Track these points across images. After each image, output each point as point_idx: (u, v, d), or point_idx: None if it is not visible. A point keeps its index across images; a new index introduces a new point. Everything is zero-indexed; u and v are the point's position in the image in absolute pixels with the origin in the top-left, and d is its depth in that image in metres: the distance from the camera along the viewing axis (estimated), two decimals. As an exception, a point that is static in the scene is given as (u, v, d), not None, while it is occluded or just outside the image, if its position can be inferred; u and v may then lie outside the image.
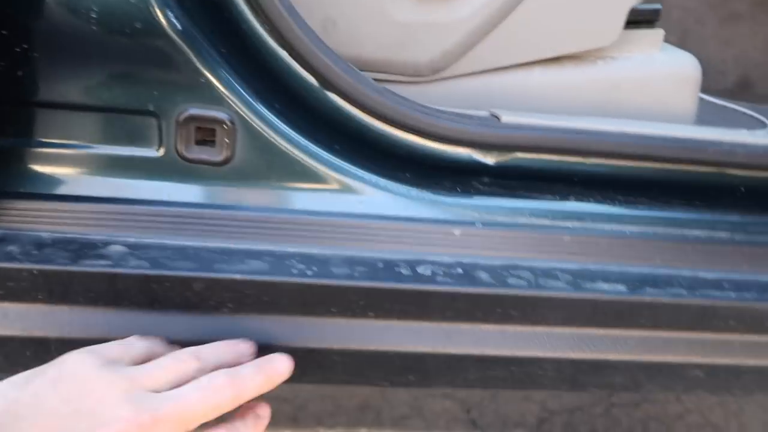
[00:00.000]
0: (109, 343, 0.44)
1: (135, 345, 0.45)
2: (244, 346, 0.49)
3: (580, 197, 0.63)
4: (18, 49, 0.48)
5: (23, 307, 0.49)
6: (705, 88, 1.32)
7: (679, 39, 0.79)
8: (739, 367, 0.61)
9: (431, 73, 0.72)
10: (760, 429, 1.50)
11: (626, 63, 0.76)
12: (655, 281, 0.58)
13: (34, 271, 0.47)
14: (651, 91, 0.77)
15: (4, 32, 0.47)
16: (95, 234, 0.52)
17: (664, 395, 0.62)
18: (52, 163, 0.53)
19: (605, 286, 0.56)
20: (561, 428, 1.41)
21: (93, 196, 0.54)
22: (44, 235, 0.51)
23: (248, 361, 0.48)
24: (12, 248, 0.49)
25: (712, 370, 0.61)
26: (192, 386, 0.42)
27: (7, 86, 0.50)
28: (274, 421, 1.43)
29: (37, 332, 0.51)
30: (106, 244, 0.51)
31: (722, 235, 0.64)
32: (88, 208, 0.53)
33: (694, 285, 0.58)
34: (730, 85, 1.39)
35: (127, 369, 0.42)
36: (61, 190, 0.53)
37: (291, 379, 0.58)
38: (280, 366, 0.48)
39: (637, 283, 0.57)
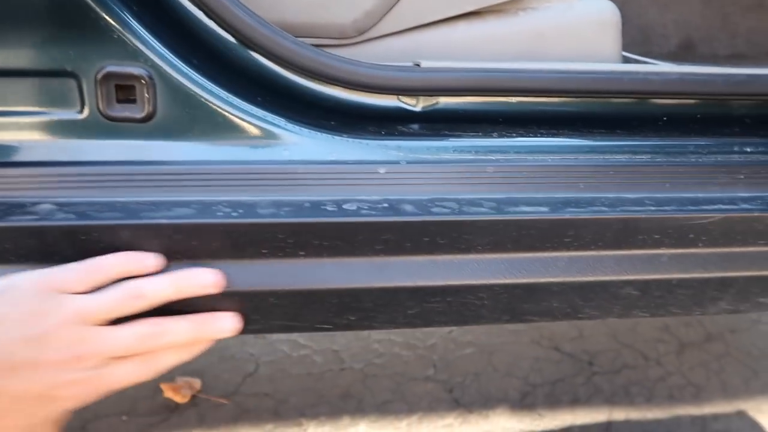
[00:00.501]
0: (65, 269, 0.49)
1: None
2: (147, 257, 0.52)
3: (503, 134, 0.65)
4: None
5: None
6: (649, 53, 1.36)
7: (619, 5, 0.82)
8: (670, 282, 0.63)
9: (356, 33, 0.74)
10: (742, 386, 1.51)
11: (547, 12, 0.79)
12: (578, 203, 0.60)
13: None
14: (573, 38, 0.80)
15: None
16: (24, 197, 0.53)
17: (601, 316, 0.64)
18: (-22, 131, 0.55)
19: (528, 209, 0.58)
20: (544, 400, 1.42)
21: (20, 161, 0.55)
22: (-27, 199, 0.52)
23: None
24: (-61, 212, 0.50)
25: (644, 287, 0.63)
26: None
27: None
28: (255, 416, 1.43)
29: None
30: (35, 203, 0.52)
31: (644, 158, 0.66)
32: (16, 172, 0.54)
33: (616, 203, 0.60)
34: (673, 48, 1.43)
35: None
36: (-12, 157, 0.55)
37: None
38: (197, 277, 0.52)
39: (560, 205, 0.59)
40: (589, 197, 0.61)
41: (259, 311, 0.57)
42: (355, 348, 1.55)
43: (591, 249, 0.60)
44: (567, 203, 0.60)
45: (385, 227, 0.55)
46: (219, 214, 0.53)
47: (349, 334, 1.60)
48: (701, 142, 0.69)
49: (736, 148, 0.69)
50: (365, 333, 1.61)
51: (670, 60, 1.16)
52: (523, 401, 1.41)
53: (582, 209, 0.59)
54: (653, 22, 1.40)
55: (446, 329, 1.64)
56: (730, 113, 0.72)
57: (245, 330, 0.57)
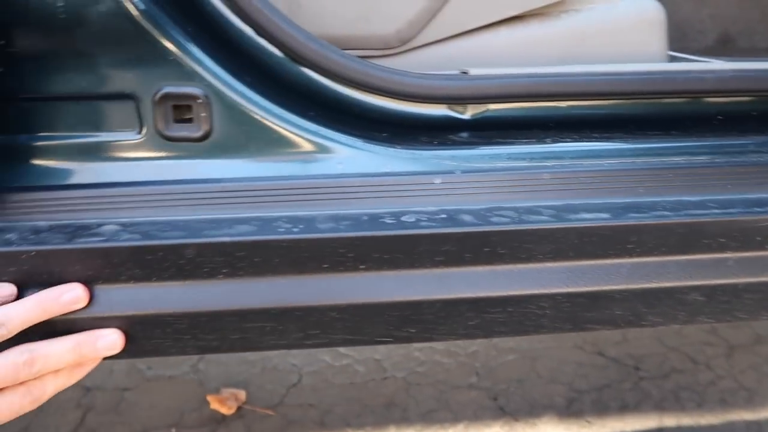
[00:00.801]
0: None
1: None
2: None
3: (556, 139, 0.64)
4: (-2, 46, 0.51)
5: (28, 292, 0.51)
6: (686, 49, 1.33)
7: (653, 3, 0.81)
8: (737, 286, 0.61)
9: (400, 44, 0.74)
10: (797, 387, 1.46)
11: (590, 13, 0.78)
12: (638, 208, 0.59)
13: (32, 253, 0.50)
14: (618, 38, 0.78)
15: (-16, 31, 0.51)
16: (89, 218, 0.54)
17: (665, 323, 0.62)
18: (42, 155, 0.56)
19: (589, 215, 0.57)
20: (591, 406, 1.39)
21: (83, 183, 0.56)
22: (40, 223, 0.53)
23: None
24: (10, 236, 0.51)
25: (710, 292, 0.61)
26: None
27: (-8, 84, 0.53)
28: (301, 427, 1.43)
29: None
30: (100, 225, 0.53)
31: (703, 159, 0.64)
32: (80, 194, 0.55)
33: (678, 207, 0.59)
34: (711, 42, 1.40)
35: None
36: (53, 181, 0.56)
37: (293, 346, 0.59)
38: (62, 295, 0.50)
39: (621, 210, 0.58)
40: (650, 201, 0.60)
41: (320, 325, 0.57)
42: (396, 357, 1.54)
43: (654, 255, 0.59)
44: (627, 208, 0.58)
45: (445, 238, 0.55)
46: (280, 230, 0.53)
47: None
48: (761, 139, 0.67)
49: (798, 145, 0.67)
50: (405, 341, 1.60)
51: (709, 55, 1.14)
52: (570, 408, 1.38)
53: (644, 214, 0.57)
54: (690, 17, 1.37)
55: (487, 336, 1.62)
56: (789, 109, 0.70)
57: (307, 345, 0.57)
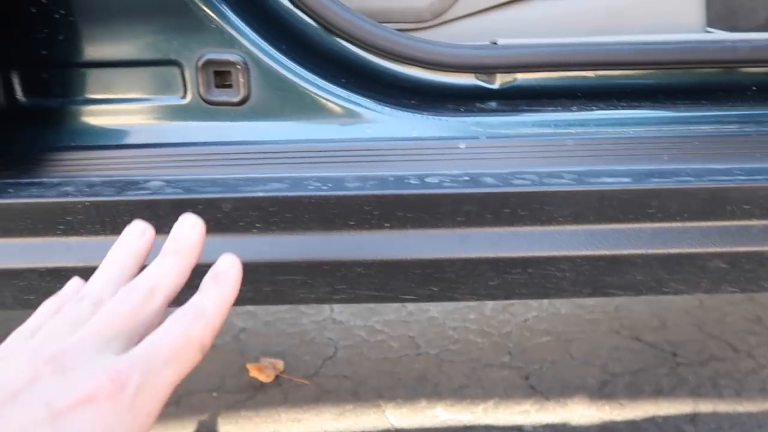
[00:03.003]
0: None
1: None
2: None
3: (583, 107, 0.65)
4: (57, 16, 0.56)
5: (82, 240, 0.57)
6: (736, 27, 1.29)
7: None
8: (762, 255, 0.61)
9: (433, 17, 0.76)
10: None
11: (625, -14, 0.78)
12: (662, 174, 0.59)
13: (87, 203, 0.55)
14: (653, 11, 0.78)
15: (44, 1, 0.56)
16: (136, 175, 0.59)
17: (688, 291, 0.63)
18: (96, 117, 0.61)
19: (610, 179, 0.58)
20: (624, 389, 1.39)
21: (133, 143, 0.61)
22: (94, 178, 0.59)
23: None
24: (68, 188, 0.56)
25: (734, 260, 0.61)
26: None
27: (51, 50, 0.58)
28: (336, 397, 1.48)
29: (96, 262, 0.57)
30: (146, 181, 0.58)
31: (731, 128, 0.64)
32: (130, 153, 0.60)
33: (702, 174, 0.59)
34: (762, 21, 1.35)
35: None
36: (106, 141, 0.61)
37: (322, 300, 0.63)
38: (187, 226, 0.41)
39: (643, 176, 0.59)
40: (674, 168, 0.60)
41: (347, 280, 0.60)
42: (430, 334, 1.57)
43: (676, 220, 0.59)
44: (650, 174, 0.59)
45: (467, 198, 0.57)
46: (310, 188, 0.57)
47: (424, 321, 1.63)
48: (795, 110, 0.66)
49: (834, 116, 0.66)
50: (440, 320, 1.63)
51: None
52: (603, 390, 1.38)
53: (666, 179, 0.58)
54: (741, -5, 1.33)
55: (522, 317, 1.63)
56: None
57: (335, 300, 0.61)
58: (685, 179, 0.58)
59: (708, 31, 0.92)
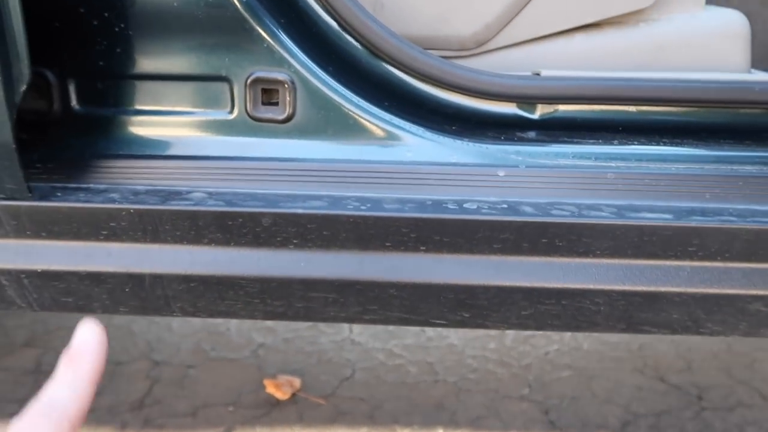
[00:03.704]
0: None
1: None
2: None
3: (624, 142, 0.65)
4: (116, 29, 0.58)
5: (123, 246, 0.58)
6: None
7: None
8: (805, 300, 0.59)
9: (475, 45, 0.77)
10: None
11: (669, 23, 0.78)
12: (703, 212, 0.59)
13: (131, 211, 0.56)
14: (698, 50, 0.78)
15: (106, 14, 0.58)
16: (180, 186, 0.60)
17: (725, 333, 0.61)
18: (145, 127, 0.63)
19: (651, 215, 0.58)
20: (647, 431, 1.35)
21: (178, 154, 0.62)
22: (139, 187, 0.60)
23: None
24: (113, 195, 0.58)
25: (775, 304, 0.60)
26: None
27: (108, 62, 0.60)
28: (351, 419, 1.47)
29: (134, 269, 0.59)
30: (189, 192, 0.59)
31: (776, 170, 0.63)
32: (175, 164, 0.61)
33: (745, 214, 0.58)
34: (803, 65, 1.34)
35: None
36: (153, 151, 0.62)
37: (352, 320, 0.63)
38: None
39: (685, 213, 0.58)
40: (716, 207, 0.60)
41: (379, 301, 0.60)
42: (448, 361, 1.55)
43: (717, 260, 0.58)
44: (692, 212, 0.59)
45: (505, 226, 0.57)
46: (349, 207, 0.57)
47: (443, 348, 1.61)
48: (842, 155, 0.65)
49: None
50: (459, 348, 1.61)
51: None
52: (624, 430, 1.35)
53: (708, 218, 0.57)
54: (779, 37, 1.32)
55: (543, 350, 1.60)
56: None
57: (365, 320, 0.61)
58: (727, 218, 0.57)
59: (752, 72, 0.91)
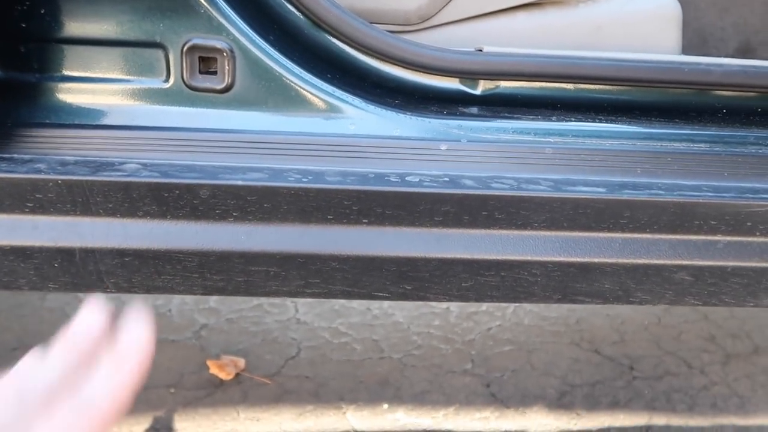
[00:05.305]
0: None
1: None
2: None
3: (562, 118, 0.67)
4: (41, -12, 0.55)
5: (51, 219, 0.55)
6: (706, 56, 1.34)
7: (674, 7, 0.83)
8: (725, 269, 0.63)
9: (419, 20, 0.77)
10: (790, 399, 1.47)
11: (607, 5, 0.80)
12: (635, 186, 0.61)
13: (59, 182, 0.53)
14: (633, 31, 0.80)
15: (29, -29, 0.54)
16: (112, 156, 0.58)
17: (653, 301, 0.64)
18: (74, 95, 0.60)
19: (585, 188, 0.59)
20: (582, 400, 1.41)
21: (110, 124, 0.60)
22: (68, 157, 0.57)
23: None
24: (39, 165, 0.55)
25: (698, 273, 0.63)
26: None
27: (31, 24, 0.56)
28: (296, 397, 1.47)
29: (64, 242, 0.56)
30: (123, 163, 0.57)
31: (702, 147, 0.66)
32: (106, 134, 0.59)
33: (673, 188, 0.61)
34: (731, 51, 1.41)
35: None
36: (82, 120, 0.59)
37: (294, 294, 0.62)
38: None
39: (617, 187, 0.61)
40: (646, 182, 0.62)
41: (321, 275, 0.60)
42: (394, 338, 1.57)
43: (646, 232, 0.61)
44: (624, 186, 0.61)
45: (446, 199, 0.57)
46: (290, 179, 0.56)
47: (389, 326, 1.63)
48: (762, 134, 0.69)
49: (797, 142, 0.69)
50: (405, 325, 1.63)
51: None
52: (561, 400, 1.40)
53: (638, 191, 0.60)
54: (711, 25, 1.38)
55: (485, 326, 1.64)
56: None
57: (307, 294, 0.60)
58: (656, 192, 0.60)
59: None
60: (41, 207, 0.54)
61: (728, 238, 0.62)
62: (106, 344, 0.34)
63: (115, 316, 0.36)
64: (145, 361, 0.33)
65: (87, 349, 0.35)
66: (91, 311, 0.36)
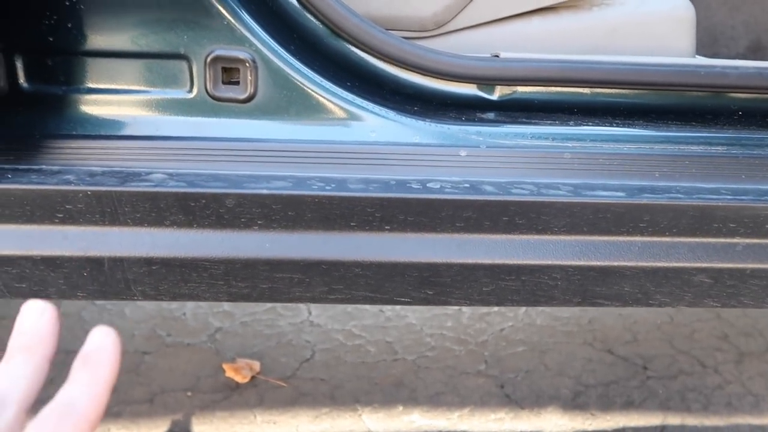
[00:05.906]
0: None
1: None
2: None
3: (579, 123, 0.68)
4: (67, 2, 0.56)
5: (80, 229, 0.56)
6: (716, 54, 1.34)
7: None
8: (744, 271, 0.63)
9: (435, 26, 0.77)
10: (805, 398, 1.47)
11: (621, 8, 0.81)
12: (653, 190, 0.62)
13: (89, 192, 0.54)
14: (647, 34, 0.81)
15: (57, -13, 0.55)
16: (139, 167, 0.59)
17: (672, 303, 0.65)
18: (100, 106, 0.61)
19: (605, 193, 0.60)
20: (596, 401, 1.42)
21: (136, 135, 0.61)
22: (95, 168, 0.58)
23: None
24: (69, 177, 0.56)
25: (717, 275, 0.64)
26: None
27: (59, 37, 0.58)
28: (312, 400, 1.48)
29: (93, 252, 0.57)
30: (149, 173, 0.58)
31: (719, 149, 0.67)
32: (132, 144, 0.60)
33: (691, 192, 0.62)
34: (742, 50, 1.41)
35: None
36: (108, 131, 0.60)
37: (317, 299, 0.63)
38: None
39: (636, 191, 0.61)
40: (665, 185, 0.63)
41: (344, 281, 0.61)
42: (407, 340, 1.58)
43: (665, 235, 0.61)
44: (642, 190, 0.61)
45: (467, 205, 0.58)
46: (314, 187, 0.57)
47: (402, 327, 1.64)
48: (778, 135, 0.69)
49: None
50: (418, 326, 1.64)
51: (738, 62, 1.15)
52: (576, 400, 1.41)
53: (657, 195, 0.60)
54: (722, 23, 1.38)
55: (498, 327, 1.65)
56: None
57: (330, 300, 0.61)
58: (675, 196, 0.60)
59: (698, 57, 0.95)
60: (71, 217, 0.56)
61: (747, 241, 0.62)
62: (52, 345, 0.35)
63: (59, 317, 0.36)
64: (116, 365, 0.34)
65: (46, 353, 0.35)
66: (34, 312, 0.36)
